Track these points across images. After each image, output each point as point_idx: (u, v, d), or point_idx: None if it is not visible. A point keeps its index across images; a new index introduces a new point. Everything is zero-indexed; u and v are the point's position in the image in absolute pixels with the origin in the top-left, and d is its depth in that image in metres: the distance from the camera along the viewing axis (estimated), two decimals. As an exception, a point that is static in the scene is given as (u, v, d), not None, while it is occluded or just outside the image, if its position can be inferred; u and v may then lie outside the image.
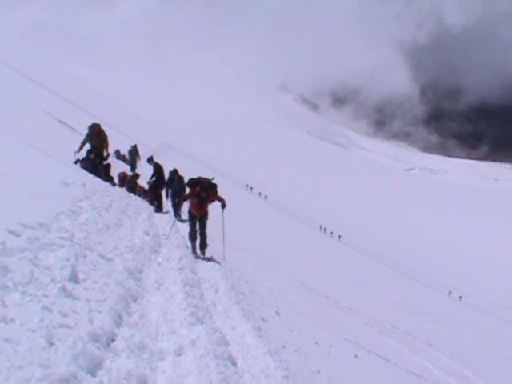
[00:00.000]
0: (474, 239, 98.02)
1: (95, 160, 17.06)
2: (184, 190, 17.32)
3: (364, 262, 45.63)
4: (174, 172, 19.47)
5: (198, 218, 11.84)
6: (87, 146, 17.12)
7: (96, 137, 17.21)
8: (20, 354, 3.53)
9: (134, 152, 27.56)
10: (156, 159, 20.74)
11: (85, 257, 6.55)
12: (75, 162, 16.58)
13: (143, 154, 28.44)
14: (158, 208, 18.54)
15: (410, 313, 26.06)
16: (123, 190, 18.06)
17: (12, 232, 5.67)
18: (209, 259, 11.46)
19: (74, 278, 5.43)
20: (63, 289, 4.95)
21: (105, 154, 17.59)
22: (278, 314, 9.43)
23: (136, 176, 21.34)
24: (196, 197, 11.69)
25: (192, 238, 11.89)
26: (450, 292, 48.23)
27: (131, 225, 11.15)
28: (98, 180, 15.06)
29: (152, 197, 19.26)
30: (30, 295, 4.45)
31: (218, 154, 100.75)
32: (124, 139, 37.21)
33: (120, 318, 5.37)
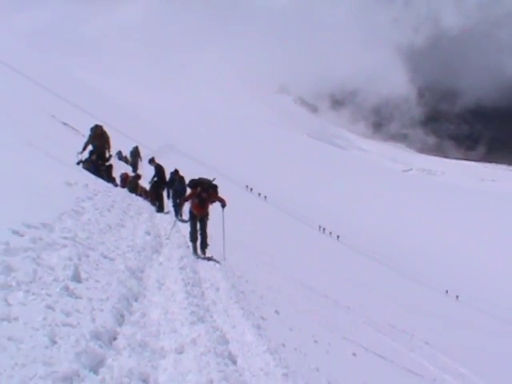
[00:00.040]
0: (470, 239, 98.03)
1: (97, 161, 17.08)
2: (185, 191, 17.32)
3: (362, 262, 45.64)
4: (175, 172, 19.46)
5: (199, 218, 11.84)
6: (90, 148, 17.15)
7: (98, 138, 17.23)
8: (23, 352, 3.53)
9: (135, 153, 27.58)
10: (157, 160, 20.73)
11: (87, 256, 6.55)
12: (78, 163, 16.60)
13: (144, 155, 28.46)
14: (160, 208, 18.54)
15: (408, 312, 26.06)
16: (125, 190, 18.08)
17: (16, 232, 5.67)
18: (209, 259, 11.46)
19: (76, 278, 5.43)
20: (66, 288, 4.95)
21: (107, 155, 17.62)
22: (277, 312, 9.42)
23: (138, 177, 21.35)
24: (197, 197, 11.70)
25: (193, 238, 11.89)
26: (446, 291, 48.22)
27: (133, 225, 11.15)
28: (100, 181, 15.07)
29: (153, 197, 19.27)
30: (34, 294, 4.45)
31: (219, 155, 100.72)
32: (126, 140, 37.21)
33: (122, 316, 5.37)
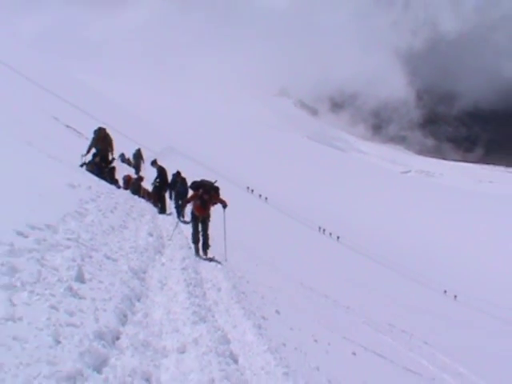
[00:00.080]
0: (468, 240, 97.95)
1: (100, 163, 17.09)
2: (187, 192, 17.32)
3: (362, 262, 45.61)
4: (177, 174, 19.45)
5: (201, 220, 11.85)
6: (93, 150, 17.16)
7: (101, 141, 17.24)
8: (28, 351, 3.53)
9: (138, 155, 27.58)
10: (160, 162, 20.72)
11: (90, 257, 6.56)
12: (81, 166, 16.61)
13: (147, 157, 28.45)
14: (162, 210, 18.53)
15: (407, 311, 26.04)
16: (128, 192, 18.08)
17: (20, 233, 5.68)
18: (211, 259, 11.46)
19: (80, 278, 5.44)
20: (69, 288, 4.95)
21: (110, 157, 17.62)
22: (278, 312, 9.42)
23: (140, 179, 21.34)
24: (199, 199, 11.70)
25: (195, 240, 11.89)
26: (445, 291, 48.19)
27: (135, 226, 11.15)
28: (103, 183, 15.08)
29: (156, 199, 19.25)
30: (38, 294, 4.45)
31: (220, 157, 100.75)
32: (128, 143, 37.24)
33: (125, 316, 5.38)
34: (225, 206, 11.86)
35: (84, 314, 4.65)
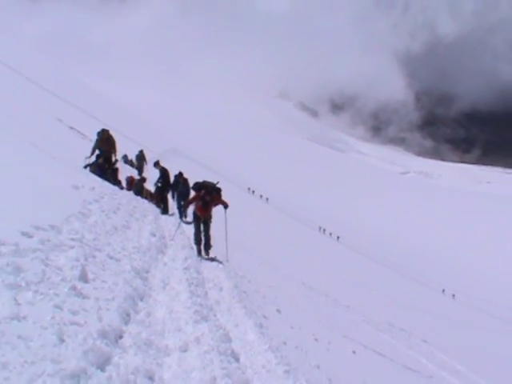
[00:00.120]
0: (466, 240, 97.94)
1: (104, 165, 17.10)
2: (189, 193, 17.34)
3: (362, 262, 45.58)
4: (180, 175, 19.46)
5: (203, 220, 11.85)
6: (97, 151, 17.17)
7: (105, 142, 17.26)
8: (32, 350, 3.54)
9: (141, 157, 27.59)
10: (162, 163, 20.74)
11: (94, 257, 6.56)
12: (85, 167, 16.63)
13: (149, 158, 28.47)
14: (164, 210, 18.53)
15: (406, 310, 26.02)
16: (130, 193, 18.09)
17: (25, 233, 5.69)
18: (213, 259, 11.46)
19: (83, 278, 5.44)
20: (73, 288, 4.96)
21: (113, 159, 17.63)
22: (279, 311, 9.42)
23: (143, 180, 21.36)
24: (201, 200, 11.70)
25: (197, 241, 11.88)
26: (443, 290, 48.13)
27: (138, 226, 11.16)
28: (106, 184, 15.09)
29: (158, 199, 19.27)
30: (42, 294, 4.46)
31: (222, 159, 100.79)
32: (131, 144, 37.25)
33: (128, 315, 5.38)
34: (226, 207, 11.87)
35: (87, 313, 4.66)
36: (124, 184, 19.55)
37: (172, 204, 19.66)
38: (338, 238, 58.64)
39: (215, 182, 12.10)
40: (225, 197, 12.05)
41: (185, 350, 5.22)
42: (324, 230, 60.47)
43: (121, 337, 4.75)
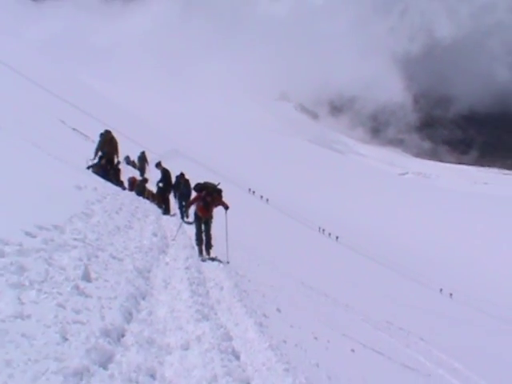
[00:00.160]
0: (464, 239, 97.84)
1: (106, 165, 17.12)
2: (190, 193, 17.34)
3: (360, 262, 45.56)
4: (181, 176, 19.46)
5: (204, 221, 11.85)
6: (99, 153, 17.20)
7: (108, 144, 17.29)
8: (36, 348, 3.55)
9: (142, 158, 27.64)
10: (164, 164, 20.74)
11: (97, 257, 6.57)
12: (88, 168, 16.65)
13: (151, 159, 28.47)
14: (166, 211, 18.54)
15: (404, 309, 26.01)
16: (132, 193, 18.11)
17: (28, 233, 5.70)
18: (213, 259, 11.46)
19: (86, 277, 5.45)
20: (76, 287, 4.96)
21: (115, 160, 17.65)
22: (279, 310, 9.41)
23: (145, 180, 21.38)
24: (202, 201, 11.71)
25: (199, 241, 11.88)
26: (441, 289, 48.09)
27: (140, 227, 11.17)
28: (108, 184, 15.10)
29: (160, 200, 19.28)
30: (46, 293, 4.47)
31: (222, 160, 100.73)
32: (133, 146, 37.26)
33: (130, 314, 5.39)
34: (227, 208, 11.86)
35: (90, 312, 4.67)
36: (126, 185, 19.57)
37: (173, 204, 19.65)
38: (337, 237, 58.57)
39: (216, 183, 12.10)
40: (225, 198, 12.05)
41: (186, 349, 5.23)
42: (323, 230, 60.41)
43: (123, 335, 4.76)
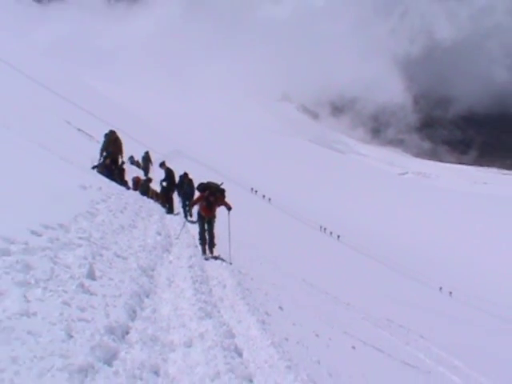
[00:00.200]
0: (463, 239, 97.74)
1: (111, 165, 17.12)
2: (193, 193, 17.33)
3: (361, 261, 45.54)
4: (184, 175, 19.45)
5: (207, 220, 11.85)
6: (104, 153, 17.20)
7: (112, 144, 17.28)
8: (41, 345, 3.55)
9: (146, 158, 27.64)
10: (167, 164, 20.74)
11: (101, 255, 6.57)
12: (93, 168, 16.66)
13: (155, 159, 28.49)
14: (169, 210, 18.54)
15: (404, 307, 25.99)
16: (137, 193, 18.10)
17: (34, 232, 5.70)
18: (216, 258, 11.46)
19: (91, 275, 5.45)
20: (81, 285, 4.96)
21: (120, 160, 17.65)
22: (281, 308, 9.41)
23: (149, 180, 21.37)
24: (205, 200, 11.71)
25: (202, 240, 11.88)
26: (440, 288, 48.04)
27: (144, 226, 11.17)
28: (113, 184, 15.11)
29: (163, 199, 19.27)
30: (51, 291, 4.47)
31: (225, 160, 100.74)
32: (137, 146, 37.28)
33: (134, 312, 5.39)
34: (229, 209, 11.84)
35: (95, 310, 4.67)
36: (130, 184, 19.57)
37: (177, 204, 19.65)
38: (338, 237, 58.55)
39: (219, 182, 12.09)
40: (228, 197, 12.04)
41: (189, 346, 5.23)
42: (325, 229, 60.38)
43: (127, 333, 4.76)
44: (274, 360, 5.54)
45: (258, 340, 6.15)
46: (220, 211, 12.08)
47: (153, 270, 7.81)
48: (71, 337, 3.86)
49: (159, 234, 10.92)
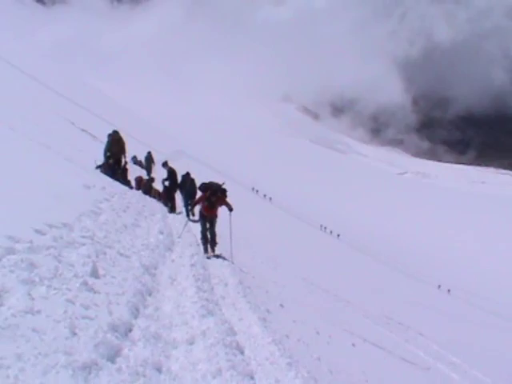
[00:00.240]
0: (461, 237, 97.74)
1: (114, 165, 17.12)
2: (195, 192, 17.32)
3: (361, 259, 45.53)
4: (187, 175, 19.44)
5: (209, 219, 11.85)
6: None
7: (115, 144, 17.27)
8: (46, 342, 3.55)
9: (149, 158, 27.64)
10: (170, 164, 20.73)
11: (104, 254, 6.58)
12: (97, 168, 16.67)
13: (158, 159, 28.49)
14: (172, 209, 18.53)
15: (403, 305, 25.98)
16: (139, 192, 18.11)
17: (38, 231, 5.70)
18: (218, 256, 11.45)
19: (94, 274, 5.46)
20: (85, 283, 4.97)
21: (123, 160, 17.64)
22: (282, 306, 9.41)
23: (151, 180, 21.38)
24: (207, 200, 11.70)
25: (204, 239, 11.87)
26: (439, 286, 48.03)
27: (147, 225, 11.17)
28: (116, 184, 15.11)
29: (166, 199, 19.27)
30: (55, 289, 4.47)
31: (227, 160, 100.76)
32: (140, 146, 37.29)
33: (137, 310, 5.39)
34: (231, 210, 11.82)
35: (98, 308, 4.67)
36: (133, 184, 19.57)
37: (179, 203, 19.65)
38: (338, 235, 58.56)
39: (221, 182, 12.09)
40: (230, 197, 12.03)
41: (191, 343, 5.23)
42: (325, 228, 60.39)
43: (130, 330, 4.76)
44: (275, 357, 5.54)
45: (259, 337, 6.16)
46: (222, 210, 12.08)
47: (155, 269, 7.82)
48: (75, 334, 3.87)
49: (162, 232, 10.92)
